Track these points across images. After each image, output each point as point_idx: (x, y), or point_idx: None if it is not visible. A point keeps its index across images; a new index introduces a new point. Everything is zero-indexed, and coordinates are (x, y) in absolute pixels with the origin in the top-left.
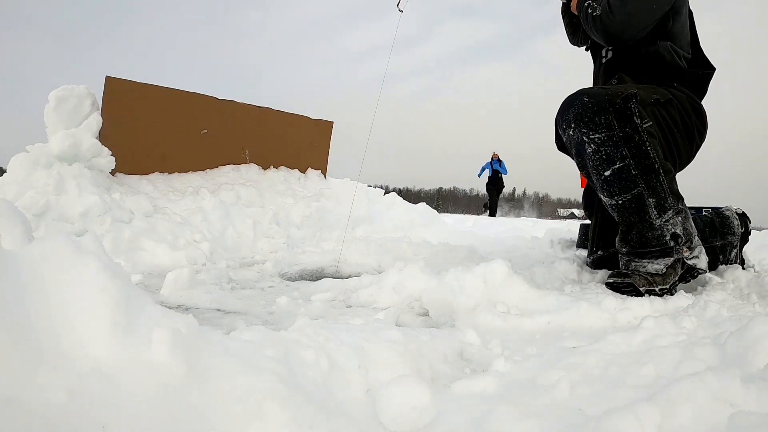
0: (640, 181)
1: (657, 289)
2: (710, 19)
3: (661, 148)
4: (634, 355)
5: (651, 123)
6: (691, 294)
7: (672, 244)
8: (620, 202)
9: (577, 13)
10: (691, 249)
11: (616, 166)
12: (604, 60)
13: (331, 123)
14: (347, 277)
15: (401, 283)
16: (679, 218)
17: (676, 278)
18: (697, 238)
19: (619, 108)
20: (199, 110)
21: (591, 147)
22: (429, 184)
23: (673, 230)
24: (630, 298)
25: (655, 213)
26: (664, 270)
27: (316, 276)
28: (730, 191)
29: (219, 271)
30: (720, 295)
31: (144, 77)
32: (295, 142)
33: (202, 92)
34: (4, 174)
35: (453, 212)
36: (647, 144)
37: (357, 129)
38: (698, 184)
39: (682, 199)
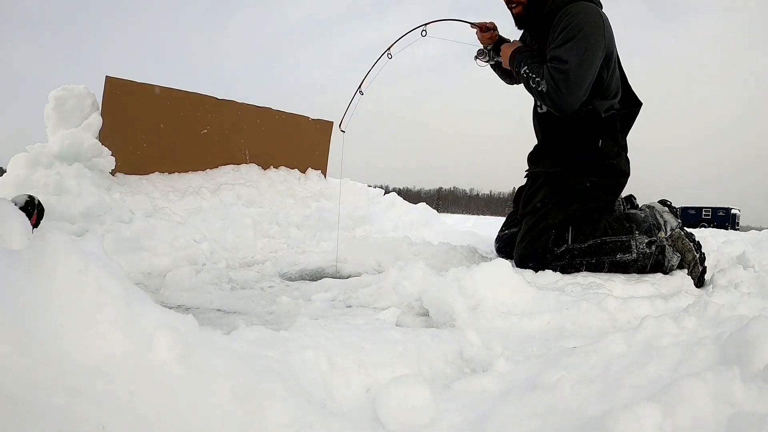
0: (606, 264)
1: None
2: (716, 19)
3: (583, 201)
4: (634, 355)
5: (584, 243)
6: (691, 294)
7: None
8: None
9: (509, 68)
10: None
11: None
12: (539, 110)
13: (331, 123)
14: (347, 277)
15: (401, 283)
16: (644, 238)
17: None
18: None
19: (551, 258)
20: (199, 110)
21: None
22: (429, 184)
23: (646, 249)
24: (631, 298)
25: (627, 254)
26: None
27: (316, 276)
28: (731, 191)
29: (219, 271)
30: (720, 295)
31: (144, 77)
32: (295, 142)
33: (202, 92)
34: (4, 174)
35: (453, 212)
36: (598, 253)
37: (357, 129)
38: (700, 183)
39: (630, 222)
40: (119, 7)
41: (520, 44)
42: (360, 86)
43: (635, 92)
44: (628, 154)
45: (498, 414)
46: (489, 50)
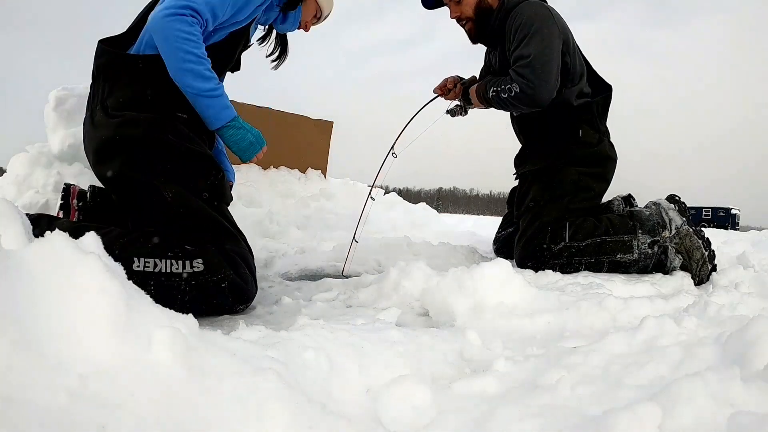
0: (605, 263)
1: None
2: (716, 19)
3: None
4: (634, 355)
5: (580, 242)
6: (692, 294)
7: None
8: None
9: (483, 106)
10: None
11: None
12: (514, 113)
13: (331, 123)
14: (347, 277)
15: (401, 283)
16: (647, 238)
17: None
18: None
19: (549, 256)
20: None
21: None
22: (429, 184)
23: (649, 249)
24: (631, 298)
25: (628, 254)
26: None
27: (316, 276)
28: (731, 191)
29: None
30: (720, 295)
31: None
32: (295, 142)
33: None
34: (4, 174)
35: (453, 212)
36: (592, 251)
37: (357, 129)
38: (700, 183)
39: (633, 220)
40: (120, 6)
41: (477, 80)
42: (373, 184)
43: (603, 77)
44: (612, 139)
45: (498, 414)
46: (460, 105)
